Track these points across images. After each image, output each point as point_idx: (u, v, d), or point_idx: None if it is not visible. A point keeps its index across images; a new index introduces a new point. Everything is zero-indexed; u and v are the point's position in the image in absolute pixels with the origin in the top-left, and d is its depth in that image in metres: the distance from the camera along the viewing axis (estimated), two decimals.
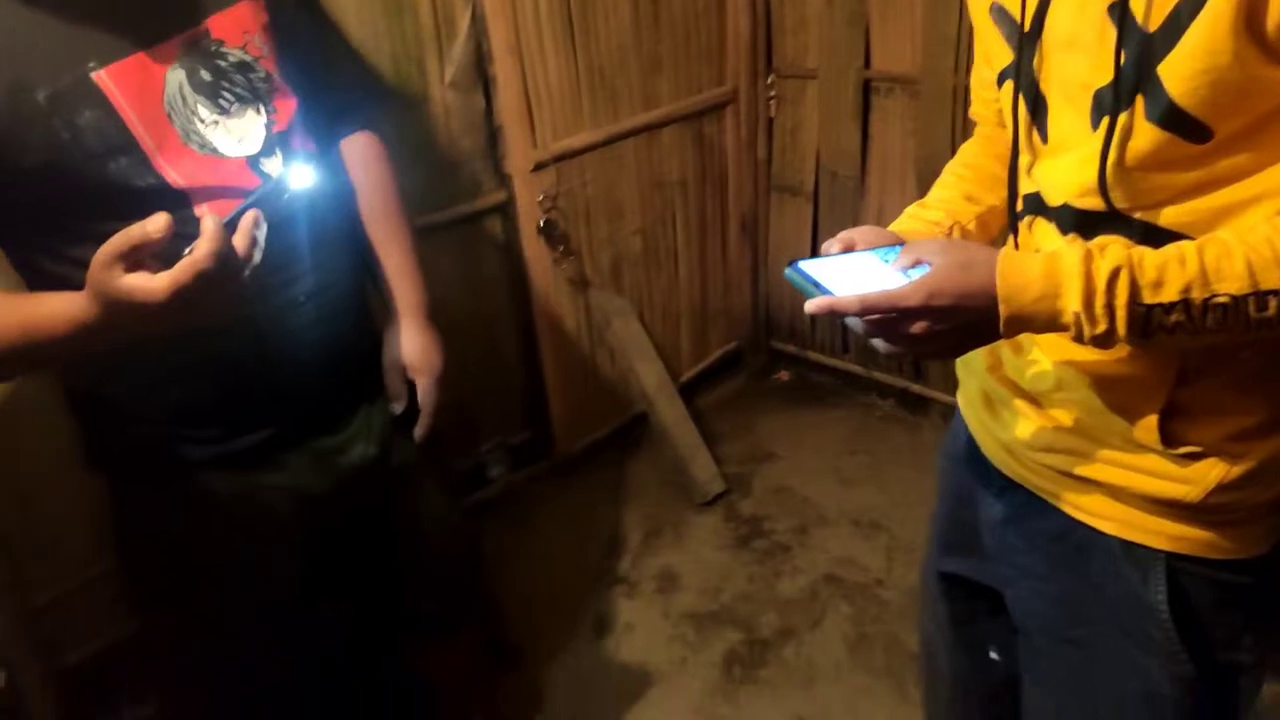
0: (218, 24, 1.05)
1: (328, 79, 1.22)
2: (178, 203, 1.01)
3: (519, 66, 2.10)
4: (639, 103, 2.40)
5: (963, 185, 1.06)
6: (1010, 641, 1.05)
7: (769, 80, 2.68)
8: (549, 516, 2.38)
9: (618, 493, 2.47)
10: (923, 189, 2.52)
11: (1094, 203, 0.82)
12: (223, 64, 1.05)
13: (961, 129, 2.31)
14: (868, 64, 2.47)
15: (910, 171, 2.49)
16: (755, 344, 2.99)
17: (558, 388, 2.42)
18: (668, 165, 2.54)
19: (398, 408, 1.31)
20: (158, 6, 1.01)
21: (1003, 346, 0.97)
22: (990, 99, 1.02)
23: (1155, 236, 0.79)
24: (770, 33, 2.63)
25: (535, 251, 2.26)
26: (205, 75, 1.04)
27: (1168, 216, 0.79)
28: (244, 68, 1.07)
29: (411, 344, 1.31)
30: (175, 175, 1.01)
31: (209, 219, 0.78)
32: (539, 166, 2.20)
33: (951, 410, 1.12)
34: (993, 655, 1.14)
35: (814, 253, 2.85)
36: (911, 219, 1.04)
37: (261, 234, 0.82)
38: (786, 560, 2.20)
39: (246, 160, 1.07)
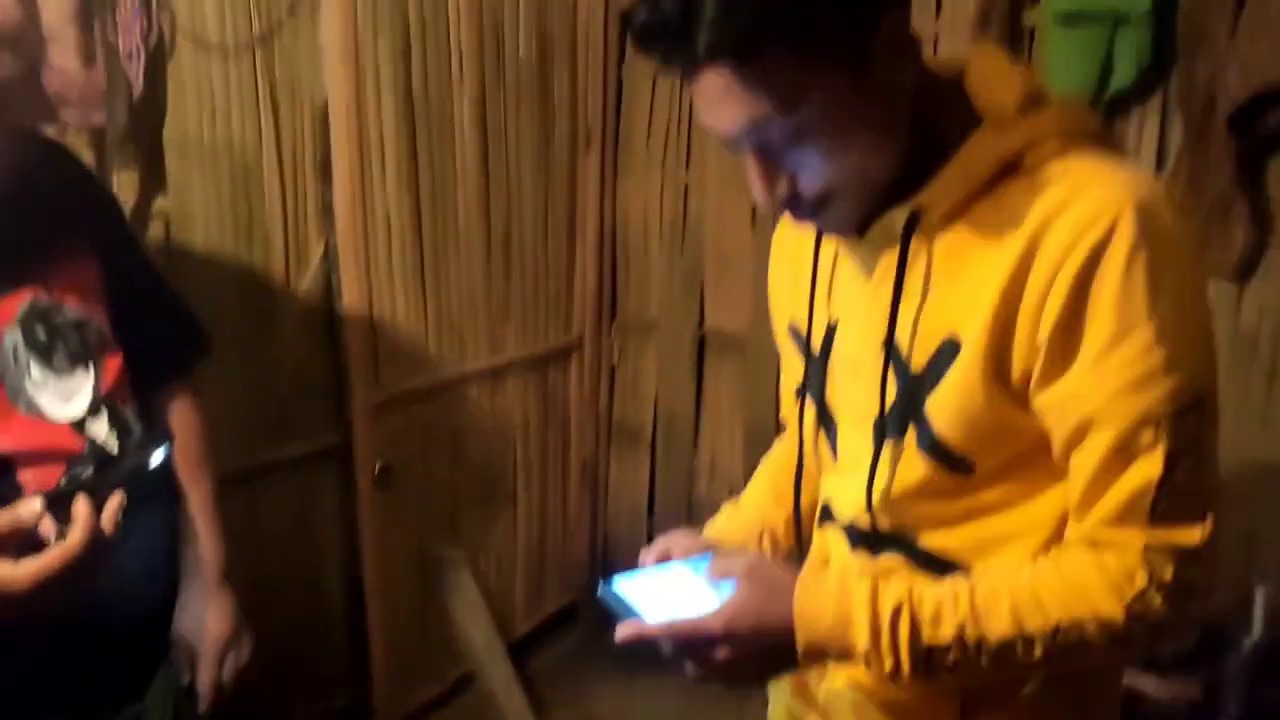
0: (57, 282, 1.01)
1: (151, 330, 1.17)
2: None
3: (368, 305, 2.08)
4: (486, 348, 2.41)
5: (775, 486, 1.10)
6: None
7: (613, 331, 2.79)
8: None
9: None
10: (750, 444, 2.63)
11: (873, 523, 0.87)
12: (59, 321, 1.02)
13: None
14: (702, 321, 2.63)
15: (739, 426, 2.60)
16: (592, 596, 2.88)
17: (383, 646, 2.21)
18: (511, 410, 2.53)
19: (185, 678, 1.21)
20: None
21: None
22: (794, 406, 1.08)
23: (931, 561, 0.84)
24: (615, 286, 2.77)
25: (370, 496, 2.13)
26: (41, 335, 1.00)
27: (937, 541, 0.84)
28: (79, 326, 1.03)
29: (200, 611, 1.23)
30: (2, 440, 0.96)
31: (81, 504, 0.78)
32: (381, 407, 2.13)
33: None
34: None
35: (651, 501, 2.87)
36: (727, 519, 1.09)
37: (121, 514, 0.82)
38: None
39: (72, 424, 1.01)
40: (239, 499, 1.92)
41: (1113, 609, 0.72)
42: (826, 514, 0.94)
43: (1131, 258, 0.70)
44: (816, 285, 0.90)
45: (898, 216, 0.78)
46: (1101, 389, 0.71)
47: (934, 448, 0.79)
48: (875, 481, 0.83)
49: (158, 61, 1.69)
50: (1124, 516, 0.73)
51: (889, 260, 0.80)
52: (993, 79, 0.79)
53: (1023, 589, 0.75)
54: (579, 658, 2.70)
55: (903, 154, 0.77)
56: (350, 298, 2.04)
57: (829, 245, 0.89)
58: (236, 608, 1.26)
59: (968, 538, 0.82)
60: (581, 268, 2.67)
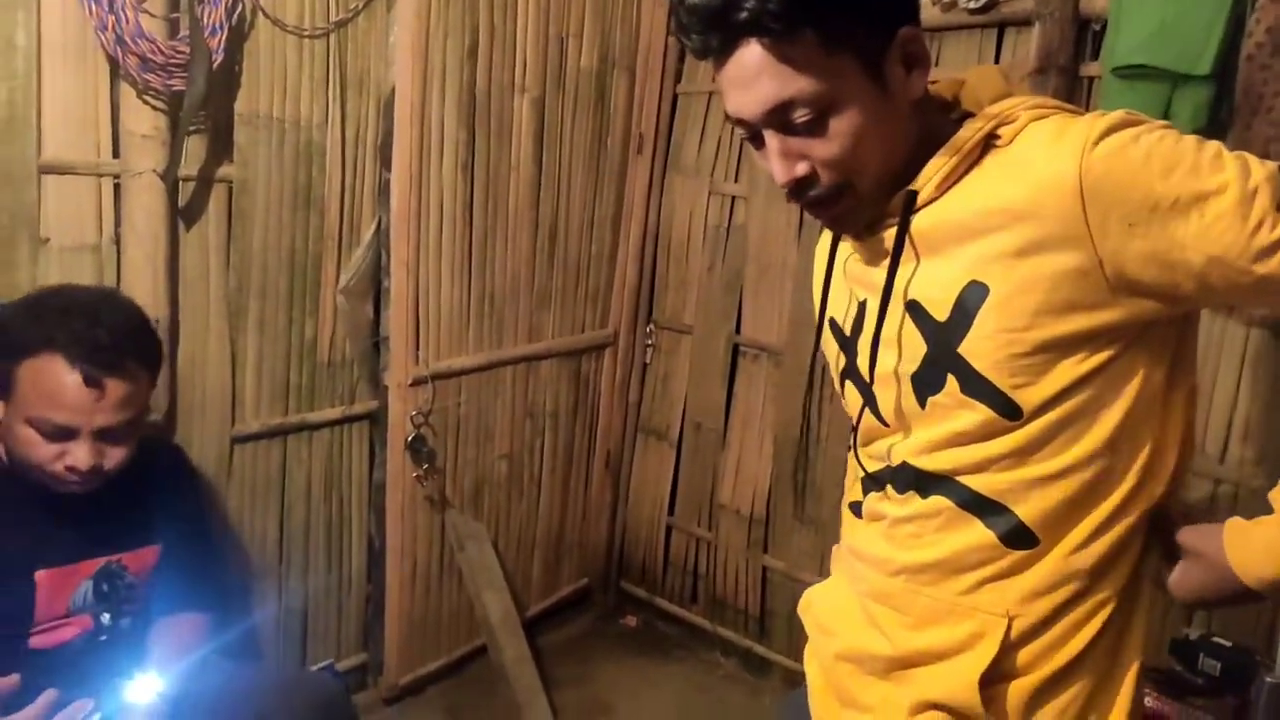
0: (127, 555, 1.45)
1: (182, 589, 1.54)
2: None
3: (414, 283, 2.17)
4: (524, 333, 2.49)
5: None
6: None
7: (648, 329, 2.84)
8: None
9: None
10: (779, 451, 2.63)
11: (925, 463, 0.91)
12: (119, 583, 1.44)
13: (817, 403, 2.48)
14: (738, 329, 2.67)
15: (768, 433, 2.63)
16: (606, 583, 2.96)
17: (398, 609, 2.30)
18: (543, 396, 2.61)
19: None
20: (90, 535, 1.40)
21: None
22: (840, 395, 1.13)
23: (978, 503, 0.88)
24: (654, 286, 2.83)
25: (398, 465, 2.23)
26: (104, 587, 1.42)
27: (985, 483, 0.88)
28: (130, 586, 1.46)
29: None
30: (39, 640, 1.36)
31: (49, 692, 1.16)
32: (417, 382, 2.22)
33: (793, 675, 1.14)
34: None
35: (673, 499, 2.90)
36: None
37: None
38: None
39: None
40: (272, 455, 2.03)
41: None
42: (873, 480, 0.99)
43: (1155, 138, 0.77)
44: (833, 270, 1.01)
45: (896, 201, 0.88)
46: (1205, 235, 0.77)
47: (978, 388, 0.83)
48: (920, 432, 0.89)
49: (237, 38, 1.79)
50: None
51: (891, 235, 0.89)
52: (980, 86, 0.91)
53: None
54: (590, 640, 2.78)
55: (909, 155, 0.87)
56: (398, 273, 2.12)
57: (846, 243, 0.99)
58: None
59: (1015, 479, 0.86)
60: (623, 265, 2.74)
